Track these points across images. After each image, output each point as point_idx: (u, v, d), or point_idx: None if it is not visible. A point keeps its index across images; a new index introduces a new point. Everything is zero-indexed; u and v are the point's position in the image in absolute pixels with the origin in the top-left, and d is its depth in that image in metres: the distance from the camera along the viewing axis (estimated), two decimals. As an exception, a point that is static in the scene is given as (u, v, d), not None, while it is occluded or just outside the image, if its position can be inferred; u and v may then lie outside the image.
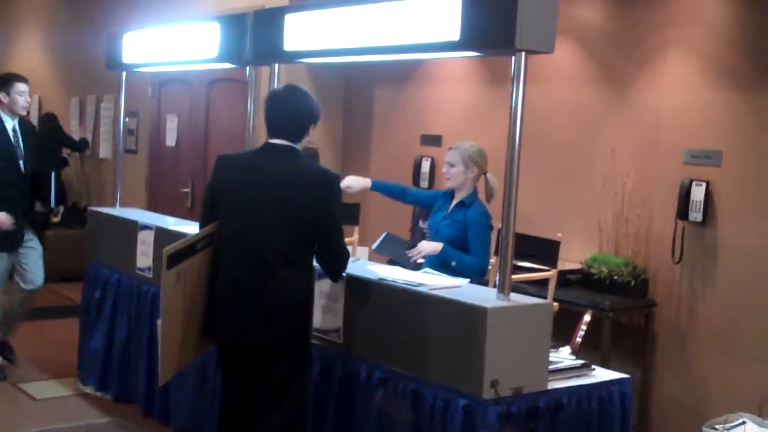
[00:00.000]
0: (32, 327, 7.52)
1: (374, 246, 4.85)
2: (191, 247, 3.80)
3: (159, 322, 3.75)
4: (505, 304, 3.47)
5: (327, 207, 3.70)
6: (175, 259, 3.72)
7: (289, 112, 3.80)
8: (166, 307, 3.73)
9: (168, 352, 3.80)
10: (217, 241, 3.81)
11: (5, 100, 5.99)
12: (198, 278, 3.82)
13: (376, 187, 5.17)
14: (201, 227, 3.88)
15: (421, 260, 4.79)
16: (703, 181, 5.32)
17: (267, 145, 3.80)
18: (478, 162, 4.76)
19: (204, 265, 3.83)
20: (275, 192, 3.66)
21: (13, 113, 6.04)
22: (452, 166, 4.78)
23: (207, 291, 3.84)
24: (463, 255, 4.63)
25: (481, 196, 4.85)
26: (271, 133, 3.79)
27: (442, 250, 4.63)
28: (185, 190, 8.40)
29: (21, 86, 6.05)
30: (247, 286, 3.69)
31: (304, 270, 3.77)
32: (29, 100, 6.21)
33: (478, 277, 4.59)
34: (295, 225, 3.65)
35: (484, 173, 4.82)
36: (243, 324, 3.71)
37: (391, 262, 4.92)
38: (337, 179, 3.82)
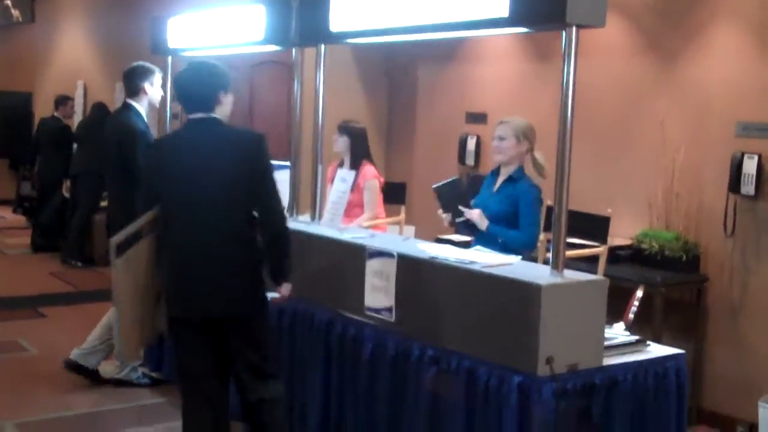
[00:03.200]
0: (84, 310, 7.65)
1: (436, 184, 4.79)
2: (137, 234, 3.95)
3: (113, 308, 3.98)
4: (559, 281, 3.46)
5: (258, 162, 3.90)
6: (123, 247, 3.89)
7: (198, 88, 3.97)
8: (119, 293, 3.91)
9: (128, 333, 3.98)
10: (163, 222, 3.93)
11: (149, 90, 5.59)
12: (147, 263, 3.96)
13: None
14: (144, 212, 4.00)
15: (468, 238, 4.78)
16: (756, 153, 5.24)
17: (189, 121, 3.99)
18: (528, 137, 4.68)
19: (151, 249, 3.96)
20: (211, 162, 3.86)
21: (150, 106, 5.72)
22: (503, 139, 4.68)
23: (157, 273, 3.98)
24: (508, 231, 4.55)
25: (527, 172, 4.81)
26: (187, 110, 3.99)
27: (488, 229, 4.58)
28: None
29: (159, 78, 5.68)
30: (202, 259, 3.84)
31: (251, 232, 3.93)
32: (162, 92, 5.82)
33: (528, 249, 4.56)
34: (235, 189, 3.86)
35: (531, 150, 4.78)
36: (208, 297, 3.86)
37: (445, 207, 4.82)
38: (263, 137, 4.01)
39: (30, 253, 10.75)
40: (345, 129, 6.10)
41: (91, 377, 5.73)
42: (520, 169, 4.74)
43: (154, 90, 5.63)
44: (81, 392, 5.65)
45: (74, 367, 5.71)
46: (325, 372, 4.38)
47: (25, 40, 14.52)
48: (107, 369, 5.76)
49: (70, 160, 10.54)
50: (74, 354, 5.72)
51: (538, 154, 4.75)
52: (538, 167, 4.72)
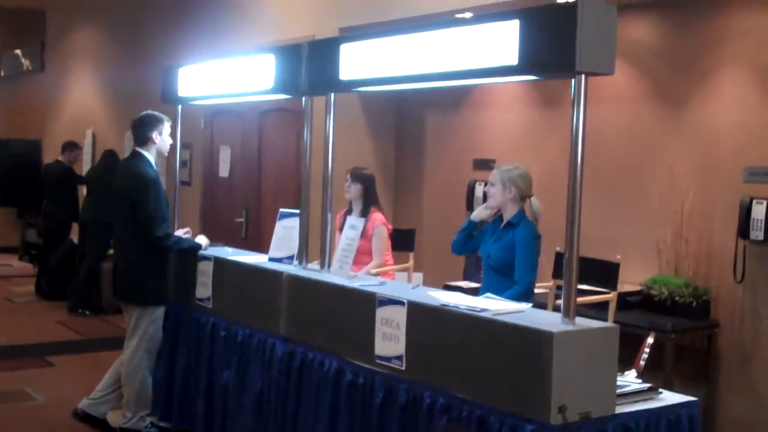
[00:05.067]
0: (92, 358, 7.63)
1: None
2: None
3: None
4: (571, 328, 3.44)
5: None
6: None
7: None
8: None
9: None
10: None
11: (157, 140, 5.62)
12: None
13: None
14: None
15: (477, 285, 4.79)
16: (764, 198, 5.24)
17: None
18: (518, 184, 4.81)
19: None
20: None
21: (160, 155, 5.75)
22: (492, 185, 4.90)
23: None
24: (507, 293, 4.56)
25: (530, 216, 4.85)
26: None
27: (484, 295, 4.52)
28: (240, 219, 8.47)
29: (168, 127, 5.70)
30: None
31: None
32: (171, 141, 5.83)
33: (528, 300, 4.58)
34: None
35: (528, 197, 4.84)
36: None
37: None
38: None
39: (37, 300, 10.75)
40: (358, 176, 6.12)
41: (101, 427, 5.70)
42: (519, 214, 4.81)
43: (163, 139, 5.67)
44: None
45: (83, 417, 5.68)
46: (334, 419, 4.35)
47: (34, 88, 14.64)
48: (114, 418, 5.72)
49: (77, 203, 10.60)
50: (83, 404, 5.69)
51: (534, 201, 4.85)
52: (534, 214, 4.83)
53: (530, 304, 3.97)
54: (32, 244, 12.51)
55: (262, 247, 6.32)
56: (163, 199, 5.56)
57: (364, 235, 5.93)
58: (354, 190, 6.11)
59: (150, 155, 5.64)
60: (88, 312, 9.77)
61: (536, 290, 5.42)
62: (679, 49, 5.83)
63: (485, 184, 7.07)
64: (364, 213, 6.05)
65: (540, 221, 4.84)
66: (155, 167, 5.65)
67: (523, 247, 4.73)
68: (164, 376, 5.80)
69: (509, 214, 4.85)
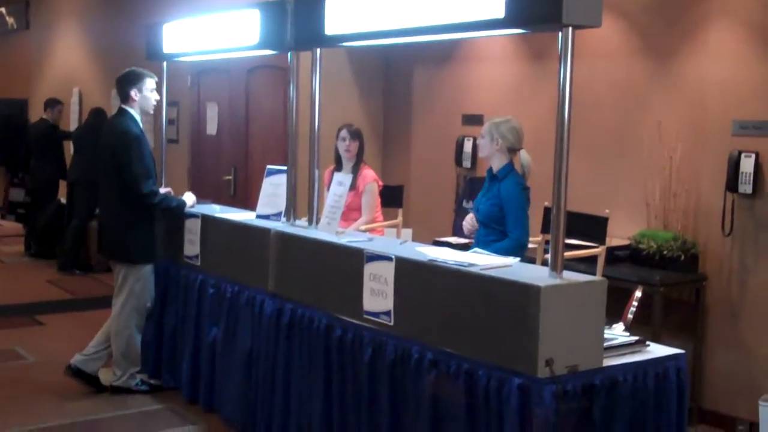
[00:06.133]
0: (82, 317, 7.64)
1: None
2: None
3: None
4: (558, 282, 3.44)
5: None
6: None
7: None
8: None
9: None
10: None
11: (136, 97, 5.59)
12: None
13: None
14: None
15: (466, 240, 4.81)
16: (753, 152, 5.24)
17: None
18: (505, 136, 4.80)
19: None
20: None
21: (144, 112, 5.70)
22: (482, 137, 4.89)
23: None
24: (497, 245, 4.61)
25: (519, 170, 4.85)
26: None
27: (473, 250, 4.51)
28: (228, 177, 8.44)
29: (152, 83, 5.65)
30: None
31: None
32: (158, 97, 5.79)
33: (524, 247, 4.66)
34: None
35: (518, 150, 4.84)
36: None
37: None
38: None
39: (26, 260, 10.73)
40: (356, 133, 6.10)
41: (92, 383, 5.72)
42: (506, 167, 4.81)
43: (143, 96, 5.61)
44: (79, 400, 5.64)
45: (76, 373, 5.69)
46: (325, 375, 4.37)
47: (20, 47, 14.49)
48: (106, 376, 5.74)
49: (63, 161, 10.55)
50: (76, 359, 5.70)
51: (524, 154, 4.85)
52: (523, 167, 4.82)
53: (518, 259, 3.96)
54: (19, 203, 12.47)
55: (250, 204, 6.31)
56: (147, 156, 5.52)
57: (355, 190, 5.92)
58: (354, 148, 6.08)
59: (135, 112, 5.60)
60: (77, 271, 9.76)
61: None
62: (668, 1, 5.79)
63: (474, 140, 7.09)
64: (356, 169, 6.03)
65: (529, 174, 4.83)
66: (141, 124, 5.61)
67: (509, 200, 4.72)
68: (153, 334, 5.81)
69: (497, 166, 4.84)
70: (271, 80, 7.94)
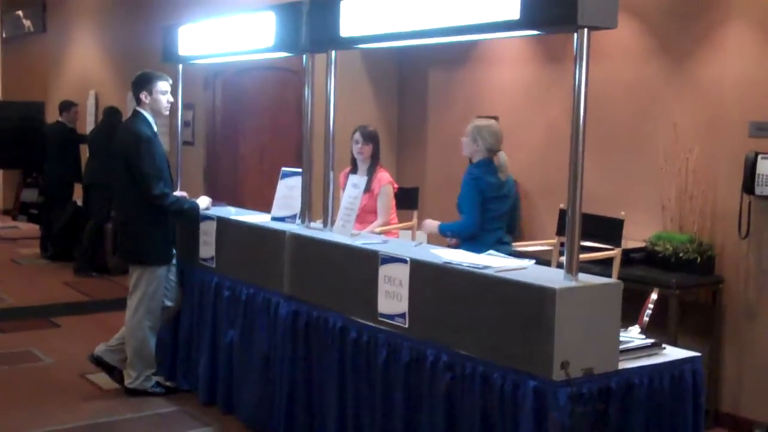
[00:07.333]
0: (98, 319, 7.66)
1: None
2: None
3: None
4: (573, 284, 3.44)
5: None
6: None
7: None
8: None
9: None
10: None
11: (147, 99, 5.58)
12: None
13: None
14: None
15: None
16: (770, 153, 5.21)
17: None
18: (485, 138, 5.17)
19: None
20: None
21: (156, 114, 5.66)
22: (465, 137, 5.28)
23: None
24: (452, 224, 5.25)
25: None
26: None
27: (440, 229, 5.31)
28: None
29: (164, 85, 5.62)
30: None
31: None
32: (171, 99, 5.76)
33: (471, 233, 5.09)
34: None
35: (496, 152, 5.20)
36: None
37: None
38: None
39: (43, 262, 10.78)
40: (370, 136, 6.10)
41: (111, 374, 5.74)
42: (478, 164, 5.20)
43: (154, 98, 5.61)
44: (95, 402, 5.65)
45: (97, 361, 5.73)
46: (340, 377, 4.37)
47: (36, 50, 14.55)
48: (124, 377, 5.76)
49: (78, 164, 10.59)
50: (99, 348, 5.74)
51: (502, 155, 5.27)
52: (500, 165, 5.23)
53: (533, 261, 3.95)
54: (31, 204, 12.54)
55: (265, 206, 6.31)
56: (158, 158, 5.53)
57: (370, 193, 5.93)
58: (366, 150, 6.08)
59: (147, 114, 5.62)
60: (94, 273, 9.80)
61: (540, 248, 5.46)
62: (685, 3, 5.76)
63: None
64: (371, 171, 6.03)
65: (505, 173, 5.21)
66: (154, 126, 5.62)
67: (464, 187, 5.19)
68: (169, 336, 5.83)
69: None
70: (285, 82, 7.96)
